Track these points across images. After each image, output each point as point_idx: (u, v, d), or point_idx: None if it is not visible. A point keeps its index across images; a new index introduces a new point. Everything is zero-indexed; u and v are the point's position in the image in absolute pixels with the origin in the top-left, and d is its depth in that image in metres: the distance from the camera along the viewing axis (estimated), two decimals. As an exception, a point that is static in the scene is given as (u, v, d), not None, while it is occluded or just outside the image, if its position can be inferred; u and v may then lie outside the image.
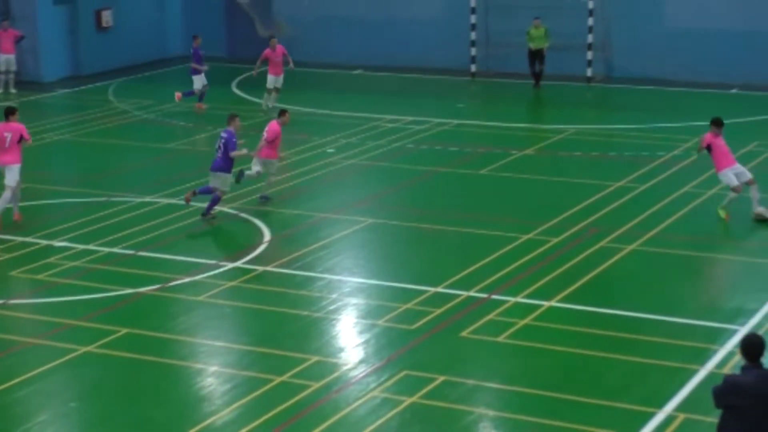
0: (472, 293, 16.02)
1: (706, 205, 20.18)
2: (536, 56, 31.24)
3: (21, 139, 19.55)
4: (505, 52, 33.10)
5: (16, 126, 19.62)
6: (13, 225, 19.53)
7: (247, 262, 17.58)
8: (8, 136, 19.44)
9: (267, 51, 28.74)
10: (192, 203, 19.94)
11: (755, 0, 30.38)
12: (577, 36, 31.47)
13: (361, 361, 14.02)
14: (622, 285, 16.54)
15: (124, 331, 15.01)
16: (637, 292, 16.20)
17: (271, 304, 15.95)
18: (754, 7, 30.42)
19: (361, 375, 13.61)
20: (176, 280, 16.84)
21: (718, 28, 30.74)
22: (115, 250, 18.28)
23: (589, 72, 31.85)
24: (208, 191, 19.77)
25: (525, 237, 18.40)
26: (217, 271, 17.20)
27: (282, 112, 21.23)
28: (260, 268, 17.32)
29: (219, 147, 19.74)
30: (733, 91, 30.20)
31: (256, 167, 20.79)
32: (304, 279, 16.92)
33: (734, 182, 19.14)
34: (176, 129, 27.35)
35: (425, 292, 16.13)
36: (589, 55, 31.75)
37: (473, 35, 33.06)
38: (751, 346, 9.55)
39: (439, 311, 15.40)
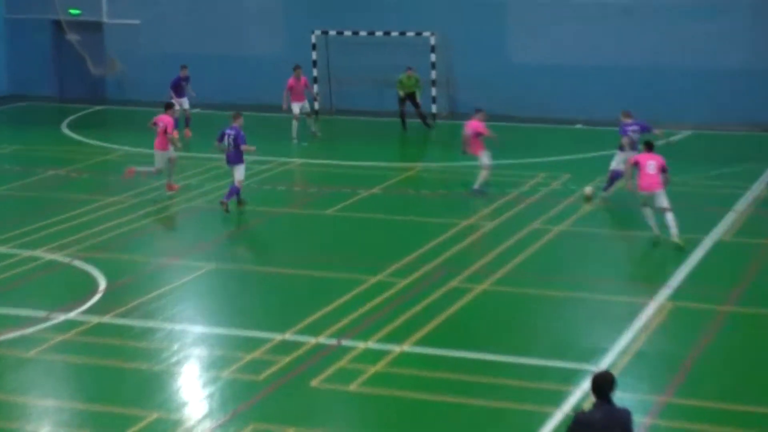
0: (321, 339, 15.80)
1: (555, 241, 20.45)
2: (408, 100, 30.66)
3: (166, 130, 23.49)
4: (349, 89, 33.23)
5: (167, 119, 23.68)
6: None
7: (81, 314, 17.01)
8: (160, 124, 23.60)
9: (291, 80, 29.47)
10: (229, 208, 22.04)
11: (600, 34, 31.08)
12: (420, 73, 31.64)
13: (206, 416, 13.62)
14: (474, 326, 16.51)
15: (-54, 392, 14.29)
16: (489, 334, 16.20)
17: (108, 357, 15.41)
18: (599, 41, 31.13)
19: (206, 431, 13.22)
20: (3, 335, 16.16)
21: (562, 62, 31.39)
22: (-64, 304, 17.50)
23: (433, 108, 32.09)
24: (235, 191, 22.29)
25: (374, 279, 18.30)
26: (47, 324, 16.58)
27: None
28: (95, 320, 16.77)
29: (229, 143, 22.19)
30: (578, 126, 30.83)
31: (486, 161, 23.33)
32: (143, 330, 16.44)
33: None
34: (1, 173, 26.47)
35: (272, 339, 15.85)
36: (434, 91, 32.01)
37: (315, 72, 33.01)
38: (601, 383, 9.82)
39: (287, 360, 15.12)
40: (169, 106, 24.25)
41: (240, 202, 22.58)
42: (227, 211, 21.93)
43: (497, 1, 31.97)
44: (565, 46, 31.46)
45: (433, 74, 32.04)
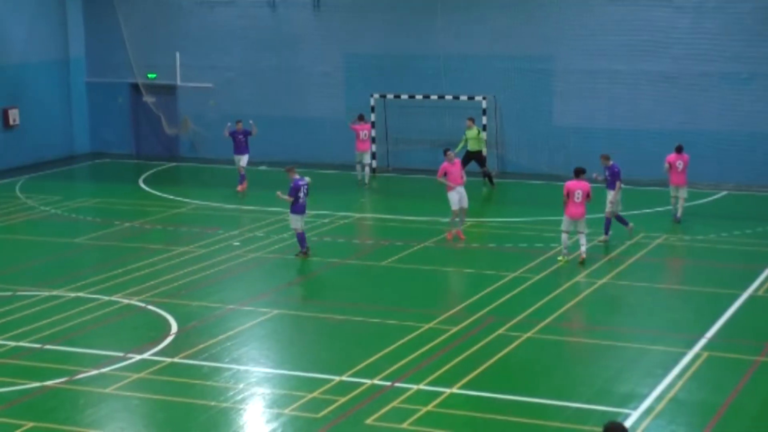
0: (375, 381, 15.95)
1: (597, 293, 20.50)
2: (473, 159, 30.50)
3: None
4: (405, 149, 33.57)
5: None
6: None
7: (155, 354, 17.31)
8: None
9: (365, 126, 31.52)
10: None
11: (637, 101, 31.27)
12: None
13: (268, 450, 13.82)
14: (519, 371, 16.56)
15: (30, 425, 14.60)
16: (534, 378, 16.26)
17: (179, 395, 15.67)
18: (636, 107, 31.33)
19: (268, 464, 13.41)
20: (83, 372, 16.48)
21: (602, 126, 31.60)
22: (22, 344, 17.87)
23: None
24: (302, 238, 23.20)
25: (426, 326, 18.43)
26: (124, 363, 16.89)
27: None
28: (167, 360, 17.06)
29: (306, 193, 22.99)
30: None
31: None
32: (212, 370, 16.69)
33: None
34: (83, 224, 27.01)
35: (330, 380, 16.02)
36: (484, 151, 32.16)
37: (373, 132, 33.38)
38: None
39: (343, 399, 15.29)
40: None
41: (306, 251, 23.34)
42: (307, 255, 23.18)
43: (543, 68, 32.19)
44: (603, 111, 31.64)
45: (484, 136, 32.24)
